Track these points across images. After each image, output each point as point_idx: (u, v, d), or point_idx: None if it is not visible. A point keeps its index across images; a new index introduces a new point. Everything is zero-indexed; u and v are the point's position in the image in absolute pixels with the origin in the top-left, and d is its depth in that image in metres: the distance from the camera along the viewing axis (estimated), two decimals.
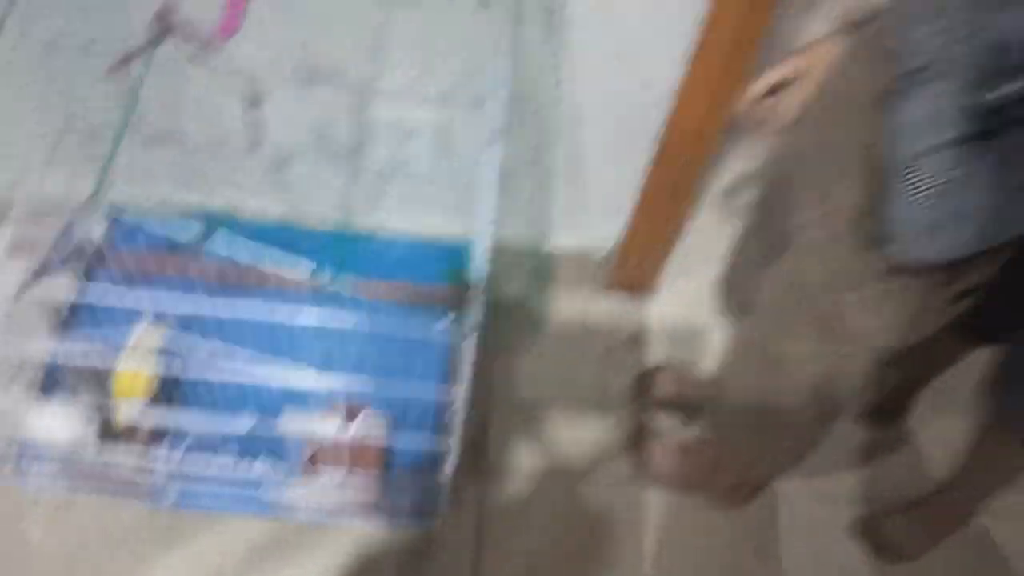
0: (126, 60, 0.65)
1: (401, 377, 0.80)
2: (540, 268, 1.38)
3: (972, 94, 0.64)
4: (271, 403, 0.91)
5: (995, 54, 0.64)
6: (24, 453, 1.07)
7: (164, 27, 0.62)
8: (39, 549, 1.13)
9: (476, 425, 1.28)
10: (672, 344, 1.39)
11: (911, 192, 0.68)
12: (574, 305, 1.41)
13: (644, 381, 1.31)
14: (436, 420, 0.97)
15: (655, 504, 1.26)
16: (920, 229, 0.69)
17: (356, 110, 1.07)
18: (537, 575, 1.19)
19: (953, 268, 0.73)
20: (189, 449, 1.02)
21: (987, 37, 0.64)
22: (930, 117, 0.67)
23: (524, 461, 1.27)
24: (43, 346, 1.02)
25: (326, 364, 0.77)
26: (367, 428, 0.86)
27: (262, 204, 1.24)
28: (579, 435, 1.30)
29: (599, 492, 1.26)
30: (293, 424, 0.86)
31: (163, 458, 1.03)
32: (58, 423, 1.00)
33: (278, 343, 0.83)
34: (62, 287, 0.99)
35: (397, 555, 1.16)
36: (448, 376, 0.89)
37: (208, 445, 1.01)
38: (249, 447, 1.01)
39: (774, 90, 0.90)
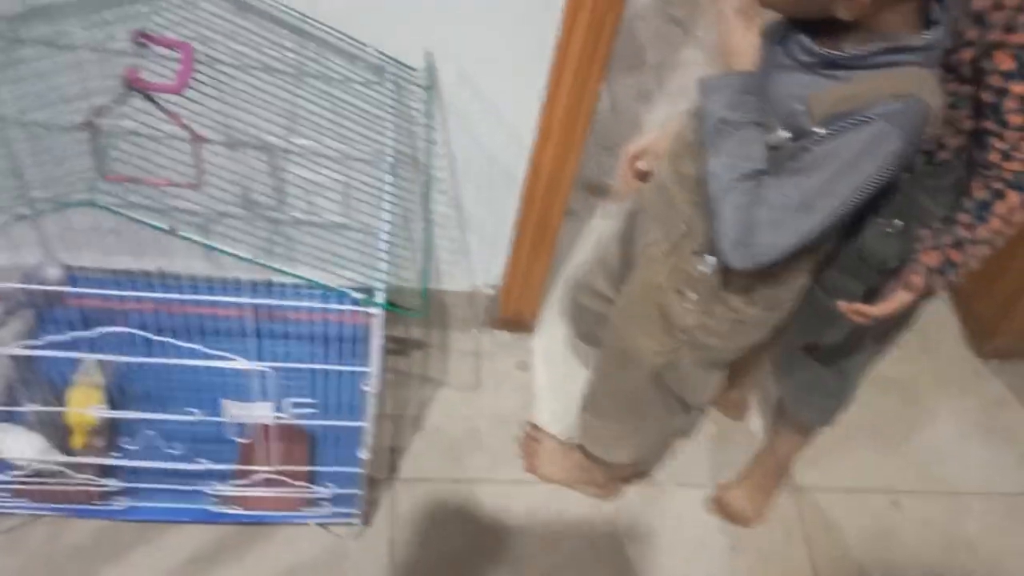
0: (96, 114, 0.87)
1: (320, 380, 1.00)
2: (432, 308, 1.61)
3: (758, 141, 0.86)
4: (211, 403, 1.10)
5: (764, 114, 0.87)
6: None
7: (129, 85, 0.85)
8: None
9: (390, 448, 1.48)
10: (550, 374, 1.64)
11: (723, 213, 0.88)
12: (467, 340, 1.64)
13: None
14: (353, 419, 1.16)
15: (543, 500, 1.47)
16: (732, 241, 0.88)
17: (273, 170, 1.30)
18: (447, 569, 1.37)
19: (762, 272, 0.93)
20: (138, 456, 1.18)
21: (757, 103, 0.87)
22: (730, 159, 0.88)
23: (434, 470, 1.47)
24: (3, 377, 1.19)
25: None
26: (292, 416, 1.05)
27: (188, 264, 1.42)
28: (477, 448, 1.51)
29: (496, 493, 1.47)
30: (231, 411, 1.04)
31: (113, 469, 1.19)
32: (19, 445, 1.15)
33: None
34: (22, 326, 1.17)
35: (314, 561, 1.33)
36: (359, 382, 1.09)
37: (155, 453, 1.18)
38: (191, 448, 1.19)
39: (634, 159, 1.15)
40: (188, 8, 1.02)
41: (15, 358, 1.17)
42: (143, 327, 0.92)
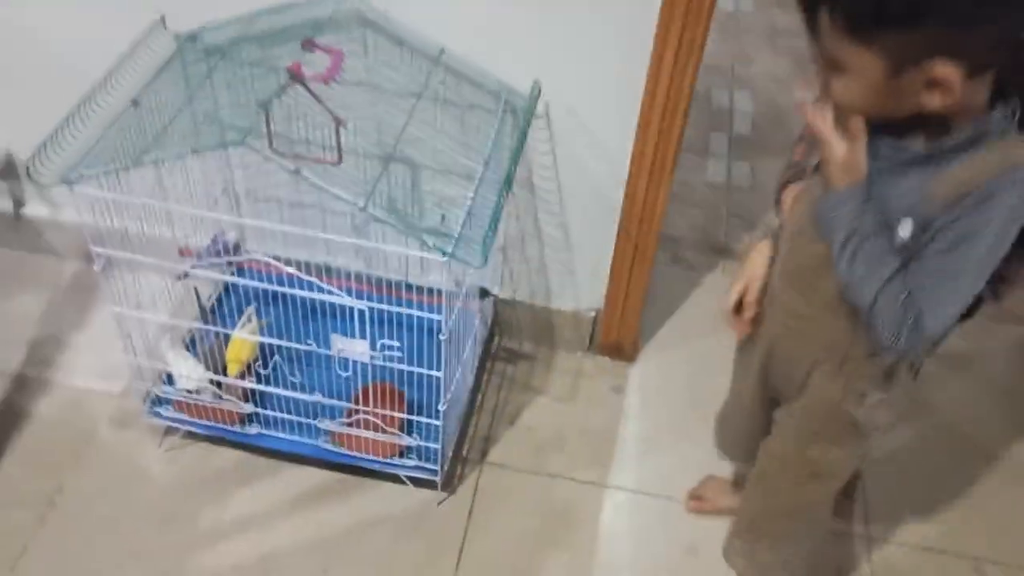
0: (266, 101, 1.19)
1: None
2: (540, 325, 1.81)
3: (889, 241, 0.89)
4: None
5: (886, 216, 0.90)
6: (158, 398, 1.54)
7: (293, 77, 1.16)
8: (155, 479, 1.57)
9: (484, 437, 1.68)
10: (642, 400, 1.78)
11: (883, 315, 0.91)
12: (570, 360, 1.83)
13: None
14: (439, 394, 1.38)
15: (615, 503, 1.60)
16: (902, 334, 0.90)
17: (411, 184, 1.58)
18: (512, 549, 1.53)
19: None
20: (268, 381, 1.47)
21: (876, 208, 0.90)
22: (869, 267, 0.90)
23: (520, 461, 1.64)
24: (190, 316, 1.52)
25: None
26: (383, 356, 1.29)
27: (345, 261, 1.73)
28: (560, 450, 1.67)
29: (570, 490, 1.61)
30: (337, 345, 1.30)
31: (253, 400, 1.48)
32: (190, 369, 1.47)
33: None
34: (207, 277, 1.50)
35: (402, 514, 1.54)
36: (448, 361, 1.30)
37: (282, 380, 1.46)
38: (310, 383, 1.46)
39: (739, 301, 1.17)
40: (349, 32, 1.33)
41: (200, 302, 1.50)
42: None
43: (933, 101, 0.82)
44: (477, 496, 1.58)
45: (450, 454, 1.55)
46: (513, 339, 1.83)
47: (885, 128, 0.88)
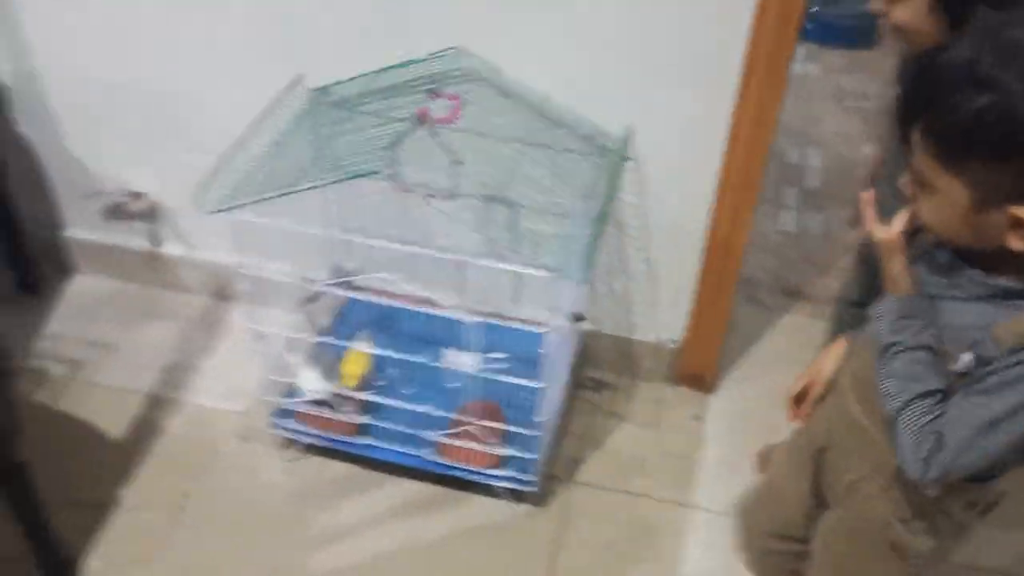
0: (394, 144, 1.37)
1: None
2: (622, 355, 1.94)
3: (927, 362, 0.88)
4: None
5: (936, 340, 0.89)
6: (282, 411, 1.71)
7: (420, 118, 1.35)
8: (273, 488, 1.72)
9: (572, 458, 1.80)
10: (720, 428, 1.88)
11: (900, 431, 0.89)
12: (651, 389, 1.95)
13: None
14: (535, 412, 1.52)
15: (690, 521, 1.70)
16: (913, 459, 0.88)
17: (511, 222, 1.75)
18: (600, 560, 1.63)
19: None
20: (382, 392, 1.62)
21: (922, 327, 0.90)
22: (900, 381, 0.90)
23: (605, 480, 1.76)
24: (312, 334, 1.70)
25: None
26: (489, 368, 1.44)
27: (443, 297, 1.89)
28: (642, 472, 1.78)
29: (654, 508, 1.72)
30: (448, 357, 1.46)
31: (366, 411, 1.64)
32: (312, 383, 1.64)
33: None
34: (327, 302, 1.69)
35: (496, 525, 1.66)
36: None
37: (394, 392, 1.62)
38: (419, 394, 1.61)
39: (802, 393, 1.21)
40: (460, 84, 1.52)
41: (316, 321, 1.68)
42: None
43: (1013, 240, 0.80)
44: (565, 511, 1.69)
45: (543, 468, 1.67)
46: (598, 369, 1.96)
47: (970, 260, 0.88)
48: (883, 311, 0.92)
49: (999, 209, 0.79)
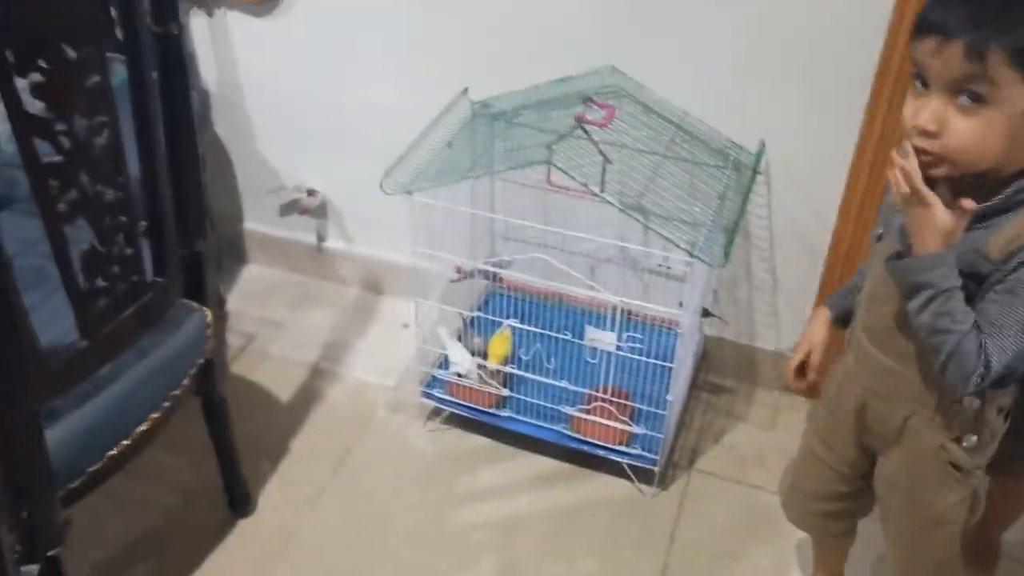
0: (550, 146, 1.57)
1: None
2: (744, 362, 2.07)
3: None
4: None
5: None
6: (432, 379, 1.91)
7: (578, 121, 1.55)
8: (420, 452, 1.92)
9: (692, 448, 1.93)
10: None
11: (961, 363, 0.98)
12: (769, 396, 2.06)
13: None
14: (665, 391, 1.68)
15: None
16: (972, 379, 0.99)
17: (642, 227, 1.92)
18: (719, 538, 1.75)
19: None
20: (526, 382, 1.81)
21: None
22: (955, 317, 0.97)
23: (724, 471, 1.88)
24: (462, 314, 1.91)
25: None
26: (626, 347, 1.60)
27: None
28: (759, 466, 1.89)
29: (769, 498, 1.83)
30: (589, 335, 1.63)
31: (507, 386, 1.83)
32: (460, 356, 1.84)
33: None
34: (479, 286, 1.89)
35: (621, 500, 1.80)
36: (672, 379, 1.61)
37: (538, 367, 1.80)
38: (560, 371, 1.79)
39: (803, 363, 1.33)
40: (608, 99, 1.72)
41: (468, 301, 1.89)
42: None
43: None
44: (686, 494, 1.82)
45: (668, 451, 1.81)
46: (719, 374, 2.10)
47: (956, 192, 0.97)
48: (938, 260, 0.96)
49: None
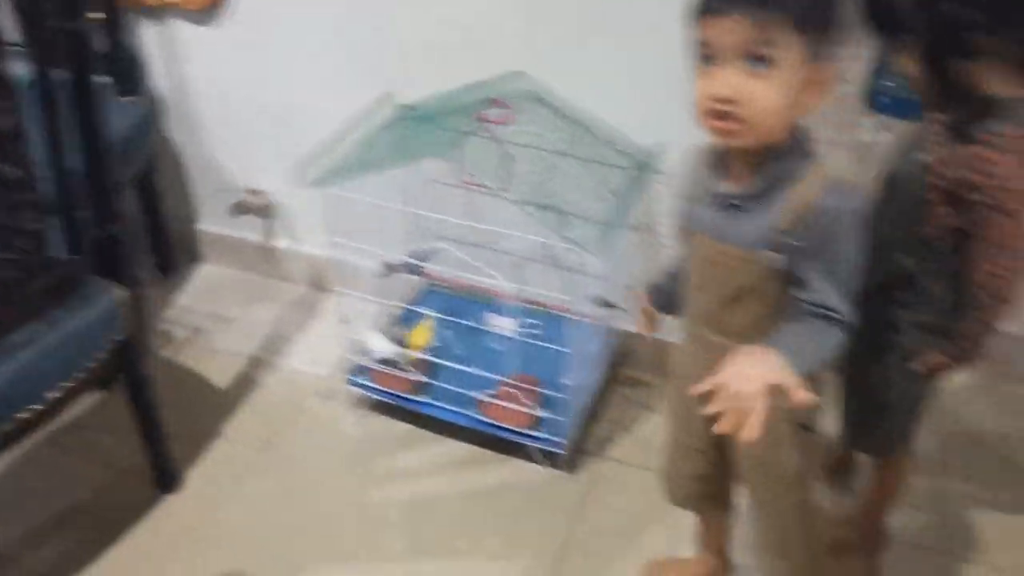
0: (456, 142, 1.69)
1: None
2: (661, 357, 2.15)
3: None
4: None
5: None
6: (359, 368, 2.01)
7: (480, 120, 1.66)
8: (346, 437, 2.02)
9: (604, 438, 2.02)
10: None
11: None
12: None
13: None
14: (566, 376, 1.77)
15: None
16: None
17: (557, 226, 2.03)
18: (624, 522, 1.84)
19: None
20: (439, 353, 1.91)
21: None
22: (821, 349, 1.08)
23: (633, 459, 1.97)
24: (388, 303, 2.01)
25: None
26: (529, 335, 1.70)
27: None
28: None
29: None
30: (491, 321, 1.73)
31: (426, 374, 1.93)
32: (379, 344, 1.95)
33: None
34: (400, 279, 2.00)
35: (530, 482, 1.89)
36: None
37: (449, 354, 1.90)
38: (472, 358, 1.89)
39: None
40: (520, 103, 1.83)
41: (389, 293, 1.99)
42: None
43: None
44: (594, 479, 1.91)
45: (574, 437, 1.90)
46: (636, 369, 2.19)
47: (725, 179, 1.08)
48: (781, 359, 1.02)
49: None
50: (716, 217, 1.10)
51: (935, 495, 1.86)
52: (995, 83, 1.17)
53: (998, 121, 1.16)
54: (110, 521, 1.78)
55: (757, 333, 1.12)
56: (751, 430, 0.99)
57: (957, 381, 2.01)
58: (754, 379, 1.00)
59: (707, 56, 1.03)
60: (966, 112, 1.18)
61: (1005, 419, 2.06)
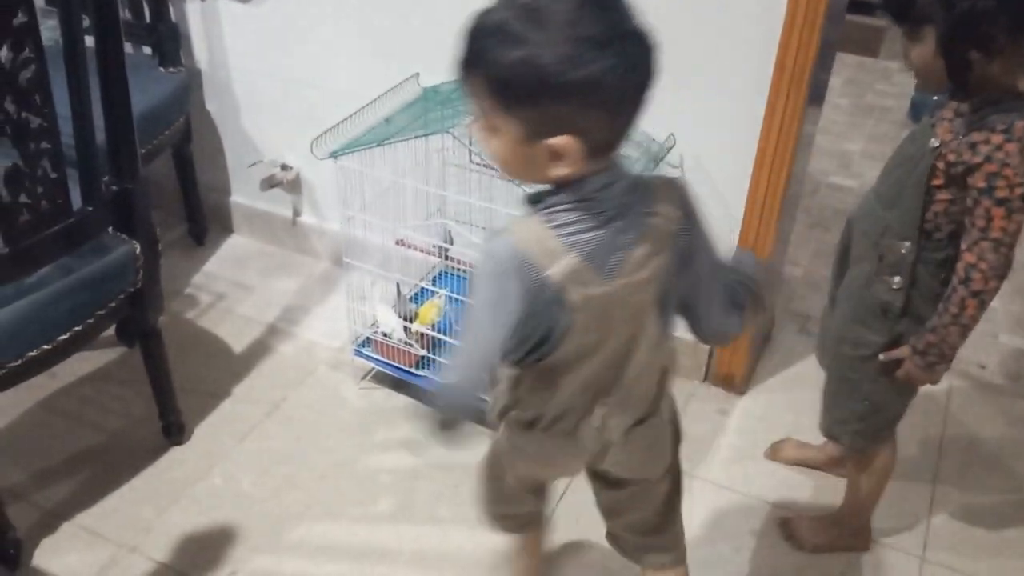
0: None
1: None
2: None
3: None
4: None
5: None
6: (365, 340, 2.08)
7: None
8: (349, 404, 2.08)
9: None
10: (743, 423, 2.07)
11: None
12: (685, 385, 2.17)
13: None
14: None
15: (701, 492, 1.89)
16: None
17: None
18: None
19: None
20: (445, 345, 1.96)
21: None
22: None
23: None
24: (396, 279, 2.07)
25: None
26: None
27: None
28: None
29: None
30: None
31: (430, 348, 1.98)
32: (385, 318, 2.00)
33: None
34: (430, 264, 2.05)
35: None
36: None
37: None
38: None
39: None
40: None
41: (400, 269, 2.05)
42: None
43: (556, 171, 0.92)
44: None
45: None
46: None
47: None
48: None
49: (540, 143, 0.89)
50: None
51: (928, 501, 1.84)
52: (1012, 76, 1.19)
53: (1011, 113, 1.19)
54: (117, 466, 1.87)
55: None
56: None
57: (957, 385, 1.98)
58: None
59: None
60: (980, 102, 1.21)
61: (1000, 427, 2.03)
